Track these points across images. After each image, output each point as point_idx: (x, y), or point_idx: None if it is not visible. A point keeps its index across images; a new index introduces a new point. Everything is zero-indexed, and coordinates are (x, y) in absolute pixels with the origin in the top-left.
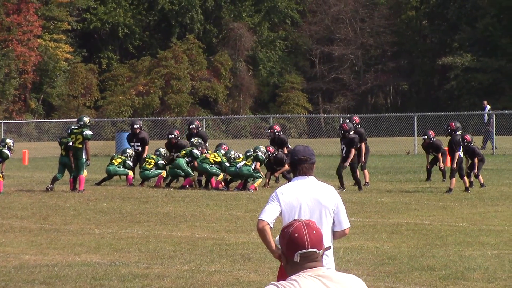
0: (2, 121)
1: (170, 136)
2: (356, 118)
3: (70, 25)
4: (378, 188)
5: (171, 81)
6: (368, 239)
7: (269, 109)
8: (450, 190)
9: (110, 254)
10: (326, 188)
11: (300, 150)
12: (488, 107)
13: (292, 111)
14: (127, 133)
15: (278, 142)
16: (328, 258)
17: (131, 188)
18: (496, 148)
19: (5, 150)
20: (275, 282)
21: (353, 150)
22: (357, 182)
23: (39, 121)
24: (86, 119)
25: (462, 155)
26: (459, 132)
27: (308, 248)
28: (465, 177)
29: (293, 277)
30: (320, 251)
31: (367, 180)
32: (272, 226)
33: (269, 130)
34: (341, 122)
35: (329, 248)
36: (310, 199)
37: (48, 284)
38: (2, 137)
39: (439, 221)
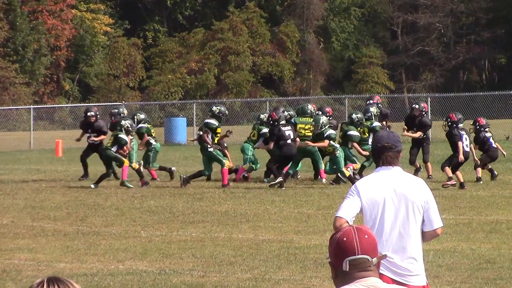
0: (32, 106)
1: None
2: (425, 105)
3: None
4: (473, 180)
5: (228, 57)
6: (462, 239)
7: (343, 88)
8: None
9: (159, 260)
10: (415, 180)
11: (384, 136)
12: None
13: (371, 90)
14: (178, 119)
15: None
16: (417, 263)
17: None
18: None
19: (122, 136)
20: None
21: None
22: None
23: (75, 106)
24: (124, 123)
25: None
26: None
27: (358, 254)
28: None
29: (345, 287)
30: (373, 259)
31: (430, 173)
32: (351, 224)
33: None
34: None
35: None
36: (395, 194)
37: None
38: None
39: None
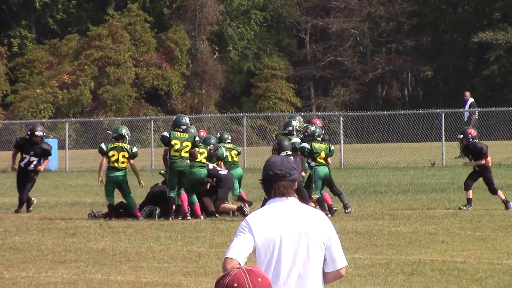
0: None
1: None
2: (318, 121)
3: None
4: (392, 213)
5: (106, 68)
6: (379, 283)
7: (242, 105)
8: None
9: None
10: (314, 213)
11: (277, 162)
12: (471, 100)
13: (274, 107)
14: (48, 140)
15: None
16: None
17: (52, 216)
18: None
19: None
20: None
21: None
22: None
23: None
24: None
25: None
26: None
27: None
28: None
29: None
30: None
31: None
32: (243, 266)
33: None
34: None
35: None
36: (293, 229)
37: None
38: (220, 133)
39: (476, 258)
